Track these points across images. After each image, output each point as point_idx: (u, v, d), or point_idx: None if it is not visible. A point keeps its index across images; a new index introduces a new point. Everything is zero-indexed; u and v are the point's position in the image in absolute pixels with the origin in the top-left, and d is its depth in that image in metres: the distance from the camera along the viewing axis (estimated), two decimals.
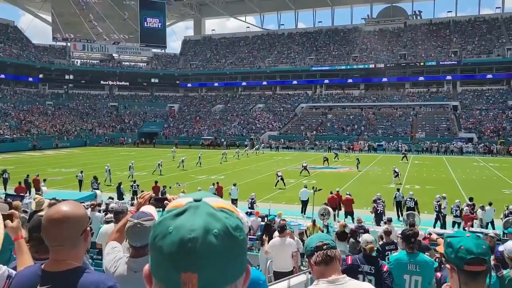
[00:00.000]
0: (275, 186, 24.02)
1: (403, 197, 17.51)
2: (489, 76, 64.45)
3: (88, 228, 1.70)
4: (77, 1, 77.99)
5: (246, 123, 65.36)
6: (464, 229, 13.70)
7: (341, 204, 17.41)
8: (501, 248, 4.29)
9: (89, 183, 22.25)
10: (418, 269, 4.71)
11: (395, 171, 26.20)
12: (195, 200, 0.81)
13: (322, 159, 36.37)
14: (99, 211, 12.25)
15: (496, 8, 79.35)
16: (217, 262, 0.74)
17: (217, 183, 20.75)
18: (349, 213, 16.68)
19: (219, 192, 19.91)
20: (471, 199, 16.49)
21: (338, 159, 40.04)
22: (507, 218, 12.80)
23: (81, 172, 24.15)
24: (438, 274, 5.37)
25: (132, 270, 2.33)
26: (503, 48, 64.88)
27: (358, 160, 33.55)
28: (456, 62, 65.23)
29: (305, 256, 2.16)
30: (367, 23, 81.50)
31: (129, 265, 2.35)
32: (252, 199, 18.29)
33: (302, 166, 30.12)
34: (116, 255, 2.42)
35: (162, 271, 0.76)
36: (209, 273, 0.74)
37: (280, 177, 24.71)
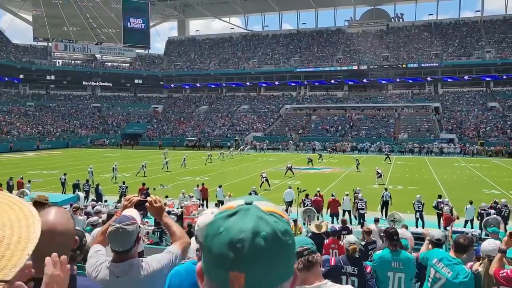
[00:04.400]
0: (260, 187, 24.05)
1: (390, 197, 17.69)
2: (469, 78, 65.66)
3: (76, 237, 1.63)
4: (58, 1, 76.87)
5: (231, 124, 65.29)
6: (445, 228, 13.93)
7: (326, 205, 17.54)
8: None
9: (71, 186, 22.04)
10: (401, 266, 4.80)
11: (378, 172, 26.50)
12: (246, 203, 0.84)
13: (307, 160, 36.59)
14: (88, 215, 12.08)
15: (476, 11, 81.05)
16: (264, 263, 0.77)
17: (203, 184, 20.69)
18: (334, 214, 16.81)
19: (204, 193, 19.85)
20: (439, 196, 16.93)
21: (322, 160, 40.28)
22: (486, 218, 13.07)
23: (65, 174, 23.84)
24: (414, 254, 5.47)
25: (114, 275, 2.29)
26: (482, 51, 66.24)
27: (358, 161, 33.58)
28: (437, 64, 66.30)
29: None
30: (350, 25, 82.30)
31: (111, 270, 2.30)
32: (254, 191, 18.69)
33: (287, 167, 30.23)
34: (98, 259, 2.38)
35: (212, 269, 0.80)
36: (256, 273, 0.77)
37: (264, 178, 24.77)
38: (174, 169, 33.53)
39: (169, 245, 2.60)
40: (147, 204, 2.45)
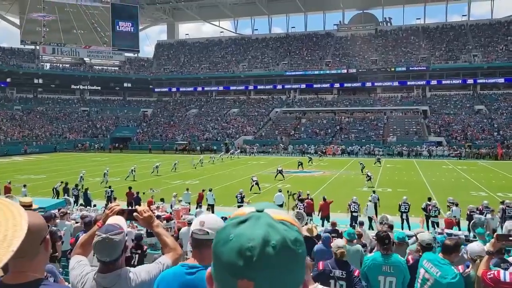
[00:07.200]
0: (250, 190, 24.04)
1: (378, 199, 17.81)
2: (456, 81, 66.46)
3: (48, 237, 1.64)
4: (47, 3, 76.21)
5: (221, 128, 65.22)
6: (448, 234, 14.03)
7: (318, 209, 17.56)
8: (465, 249, 4.44)
9: (62, 189, 21.85)
10: (392, 270, 4.77)
11: (367, 175, 26.69)
12: (258, 211, 0.85)
13: (297, 164, 36.63)
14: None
15: (463, 15, 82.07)
16: (273, 272, 0.77)
17: (203, 190, 20.45)
18: (325, 217, 16.77)
19: (199, 199, 19.73)
20: (429, 199, 17.11)
21: (312, 163, 40.37)
22: (474, 220, 13.20)
23: (62, 182, 23.65)
24: (410, 258, 5.48)
25: (101, 286, 2.23)
26: (469, 55, 67.12)
27: (362, 165, 33.52)
28: (425, 68, 67.01)
29: None
30: (339, 29, 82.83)
31: (98, 281, 2.23)
32: (241, 194, 18.84)
33: (277, 171, 30.25)
34: (82, 270, 2.30)
35: (221, 275, 0.80)
36: (265, 282, 0.77)
37: (255, 182, 24.77)
38: (164, 173, 33.36)
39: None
40: (136, 214, 2.38)
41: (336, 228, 11.40)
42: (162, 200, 18.84)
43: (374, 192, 19.14)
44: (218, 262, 0.81)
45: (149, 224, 2.44)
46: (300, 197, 17.95)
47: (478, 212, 15.13)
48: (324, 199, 17.18)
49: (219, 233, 0.84)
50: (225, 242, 0.80)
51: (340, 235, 9.75)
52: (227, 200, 20.46)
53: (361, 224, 11.42)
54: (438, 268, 4.03)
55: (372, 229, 14.59)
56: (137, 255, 7.52)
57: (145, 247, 7.99)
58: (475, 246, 4.29)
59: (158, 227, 2.46)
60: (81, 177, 25.58)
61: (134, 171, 29.98)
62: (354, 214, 16.41)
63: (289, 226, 0.83)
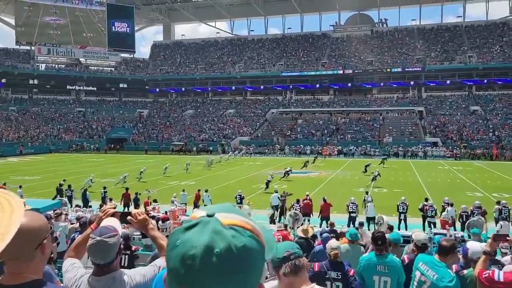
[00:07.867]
0: (266, 188, 24.43)
1: (371, 200, 17.83)
2: (452, 82, 66.70)
3: (46, 241, 1.58)
4: (42, 3, 75.94)
5: (217, 129, 65.16)
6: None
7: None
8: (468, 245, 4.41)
9: (55, 190, 21.75)
10: (386, 270, 4.76)
11: (374, 176, 26.68)
12: (208, 215, 0.81)
13: (303, 163, 36.53)
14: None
15: (458, 16, 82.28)
16: (216, 281, 0.73)
17: (198, 190, 20.39)
18: (325, 218, 16.71)
19: (196, 200, 19.69)
20: (426, 199, 17.16)
21: (314, 162, 40.07)
22: (469, 220, 13.25)
23: (64, 180, 23.46)
24: (405, 257, 5.48)
25: None
26: (464, 56, 67.39)
27: (368, 166, 33.41)
28: (420, 69, 67.25)
29: (271, 267, 2.09)
30: (335, 30, 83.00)
31: (92, 284, 2.21)
32: (240, 195, 19.04)
33: (285, 171, 30.26)
34: (76, 273, 2.28)
35: (169, 280, 0.79)
36: None
37: (267, 181, 25.09)
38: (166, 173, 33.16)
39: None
40: (130, 217, 2.33)
41: (334, 228, 11.40)
42: (155, 201, 18.77)
43: (367, 193, 19.15)
44: (167, 267, 0.80)
45: (144, 227, 2.38)
46: (282, 197, 18.01)
47: (469, 212, 15.22)
48: (325, 200, 17.09)
49: (169, 237, 0.82)
50: (172, 247, 0.78)
51: (338, 236, 9.74)
52: (224, 200, 20.33)
53: (361, 224, 11.42)
54: (434, 271, 4.00)
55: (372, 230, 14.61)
56: (126, 256, 7.26)
57: (134, 247, 7.77)
58: (478, 247, 4.26)
59: (153, 230, 2.41)
60: (91, 180, 25.00)
61: (143, 172, 29.83)
62: (352, 214, 16.39)
63: (239, 232, 0.78)
